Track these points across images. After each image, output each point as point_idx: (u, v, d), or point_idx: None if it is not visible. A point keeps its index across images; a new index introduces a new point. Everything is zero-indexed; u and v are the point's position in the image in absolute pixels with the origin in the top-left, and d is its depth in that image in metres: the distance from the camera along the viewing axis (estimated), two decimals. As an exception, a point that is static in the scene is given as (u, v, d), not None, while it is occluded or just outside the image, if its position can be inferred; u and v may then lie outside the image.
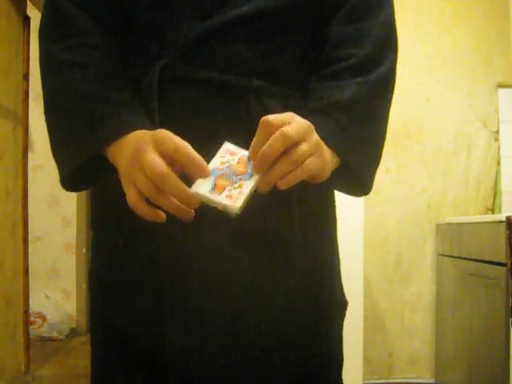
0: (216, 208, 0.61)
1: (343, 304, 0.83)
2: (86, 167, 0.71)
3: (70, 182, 0.74)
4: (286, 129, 0.61)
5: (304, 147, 0.63)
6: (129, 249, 0.74)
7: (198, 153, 0.62)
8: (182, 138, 0.65)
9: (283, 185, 0.63)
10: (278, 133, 0.61)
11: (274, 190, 0.65)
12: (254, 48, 0.73)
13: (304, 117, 0.69)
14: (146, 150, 0.61)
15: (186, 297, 0.70)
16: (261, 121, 0.62)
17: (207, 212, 0.69)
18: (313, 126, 0.65)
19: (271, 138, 0.61)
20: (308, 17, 0.76)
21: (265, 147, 0.61)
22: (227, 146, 0.64)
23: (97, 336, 0.80)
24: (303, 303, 0.75)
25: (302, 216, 0.75)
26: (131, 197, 0.63)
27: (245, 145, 0.65)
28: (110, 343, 0.76)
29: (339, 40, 0.75)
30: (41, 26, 0.75)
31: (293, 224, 0.74)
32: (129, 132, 0.66)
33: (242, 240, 0.71)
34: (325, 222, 0.81)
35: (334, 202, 0.84)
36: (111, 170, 0.69)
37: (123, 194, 0.66)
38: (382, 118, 0.77)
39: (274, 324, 0.72)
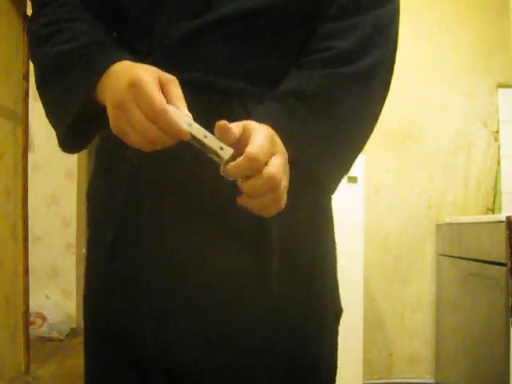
0: (204, 151, 0.60)
1: (336, 310, 0.81)
2: (79, 122, 0.71)
3: (67, 141, 0.74)
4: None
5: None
6: (115, 247, 0.74)
7: (181, 157, 0.64)
8: None
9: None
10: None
11: None
12: (238, 49, 0.71)
13: (260, 103, 0.68)
14: (147, 82, 0.59)
15: (167, 298, 0.70)
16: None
17: (193, 209, 0.69)
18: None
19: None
20: (295, 17, 0.74)
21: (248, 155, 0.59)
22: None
23: (87, 335, 0.79)
24: (288, 306, 0.73)
25: (290, 215, 0.71)
26: (117, 121, 0.61)
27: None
28: (99, 343, 0.76)
29: (325, 34, 0.72)
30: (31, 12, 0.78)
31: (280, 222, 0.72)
32: (113, 63, 0.65)
33: (227, 239, 0.70)
34: (318, 222, 0.79)
35: (330, 200, 0.81)
36: (105, 120, 0.68)
37: (113, 192, 0.67)
38: (353, 114, 0.72)
39: (258, 325, 0.71)
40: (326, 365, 0.79)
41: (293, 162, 0.66)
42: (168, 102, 0.59)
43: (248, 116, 0.68)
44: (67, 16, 0.73)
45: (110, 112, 0.62)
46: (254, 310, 0.71)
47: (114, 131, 0.62)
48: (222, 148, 0.58)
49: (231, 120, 0.64)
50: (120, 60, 0.65)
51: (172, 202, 0.69)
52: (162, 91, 0.60)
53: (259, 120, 0.64)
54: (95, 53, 0.68)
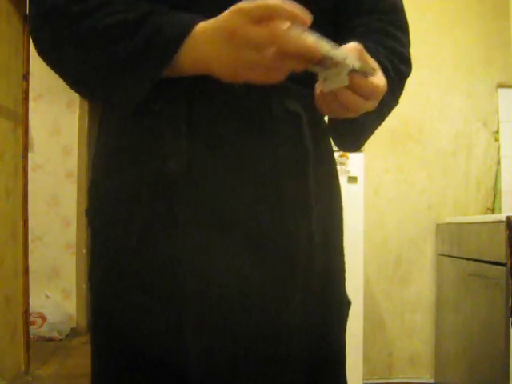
0: (329, 63, 0.60)
1: (349, 303, 0.84)
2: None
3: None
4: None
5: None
6: (142, 248, 0.71)
7: (224, 159, 0.67)
8: (206, 142, 0.67)
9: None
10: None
11: (293, 198, 0.70)
12: None
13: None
14: (244, 27, 0.57)
15: (207, 302, 0.69)
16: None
17: (229, 219, 0.69)
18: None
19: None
20: (329, 13, 0.77)
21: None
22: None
23: (104, 343, 0.76)
24: (319, 306, 0.75)
25: (319, 220, 0.76)
26: (234, 61, 0.60)
27: (268, 150, 0.70)
28: (120, 349, 0.73)
29: (374, 13, 0.82)
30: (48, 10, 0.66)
31: (311, 230, 0.74)
32: (190, 28, 0.62)
33: (263, 247, 0.70)
34: (339, 221, 0.85)
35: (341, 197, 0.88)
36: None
37: (134, 188, 0.67)
38: (387, 107, 0.85)
39: (292, 330, 0.72)
40: (343, 354, 0.81)
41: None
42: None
43: (287, 114, 0.71)
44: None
45: (224, 54, 0.60)
46: (290, 316, 0.72)
47: (230, 76, 0.61)
48: (346, 57, 0.60)
49: (271, 120, 0.69)
50: (195, 21, 0.62)
51: (209, 220, 0.69)
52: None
53: None
54: (167, 16, 0.63)
